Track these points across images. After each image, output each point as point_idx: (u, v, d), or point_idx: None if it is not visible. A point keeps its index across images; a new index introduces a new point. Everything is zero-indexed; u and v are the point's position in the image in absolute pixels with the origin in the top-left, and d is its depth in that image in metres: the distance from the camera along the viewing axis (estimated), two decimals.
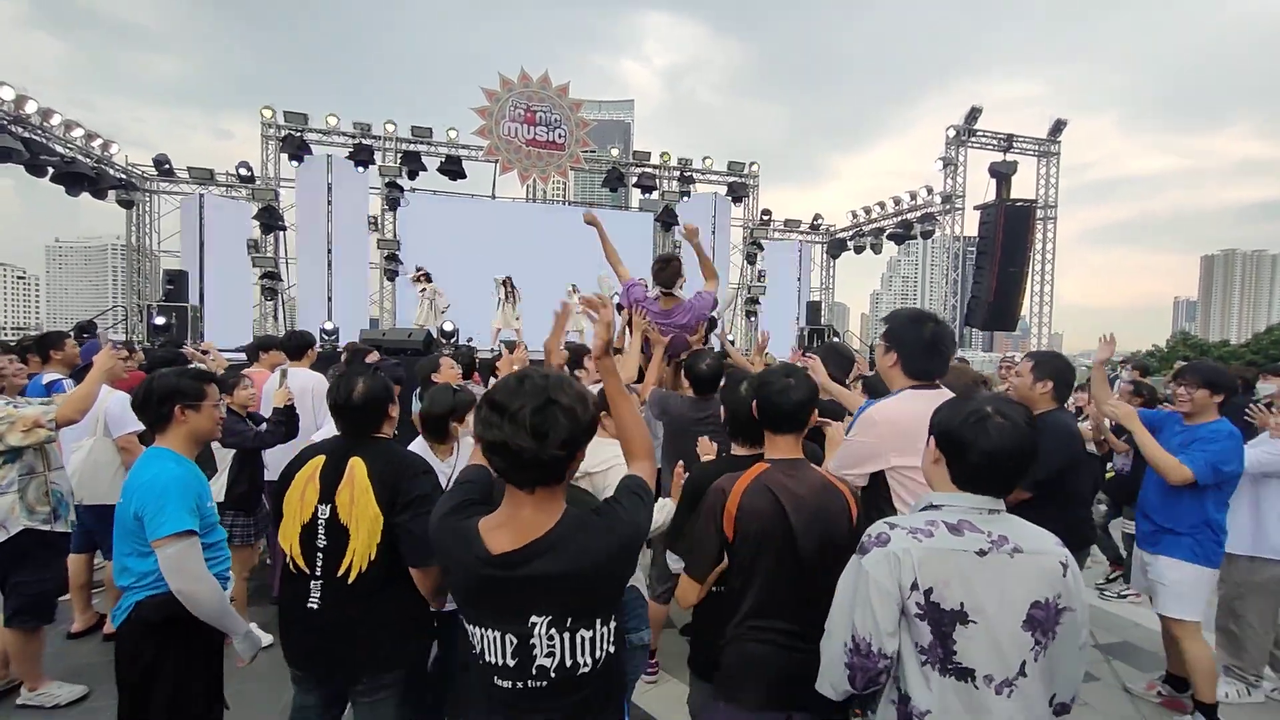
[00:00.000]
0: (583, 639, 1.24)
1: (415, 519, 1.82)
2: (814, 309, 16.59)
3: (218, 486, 3.43)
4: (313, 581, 1.87)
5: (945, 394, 1.96)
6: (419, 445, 2.53)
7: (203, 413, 2.07)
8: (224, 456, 3.63)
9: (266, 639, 2.13)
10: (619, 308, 3.56)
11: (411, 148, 13.91)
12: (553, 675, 1.23)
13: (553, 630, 1.22)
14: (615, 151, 15.99)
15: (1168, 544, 2.90)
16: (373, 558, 1.84)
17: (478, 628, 1.25)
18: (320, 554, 1.86)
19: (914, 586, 1.28)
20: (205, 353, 4.69)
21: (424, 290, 9.59)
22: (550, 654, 1.22)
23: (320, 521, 1.86)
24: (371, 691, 1.87)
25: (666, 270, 3.60)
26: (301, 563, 1.88)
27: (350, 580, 1.84)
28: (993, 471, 1.35)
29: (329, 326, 11.85)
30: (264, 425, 3.50)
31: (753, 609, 1.66)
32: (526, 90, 14.05)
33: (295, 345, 4.32)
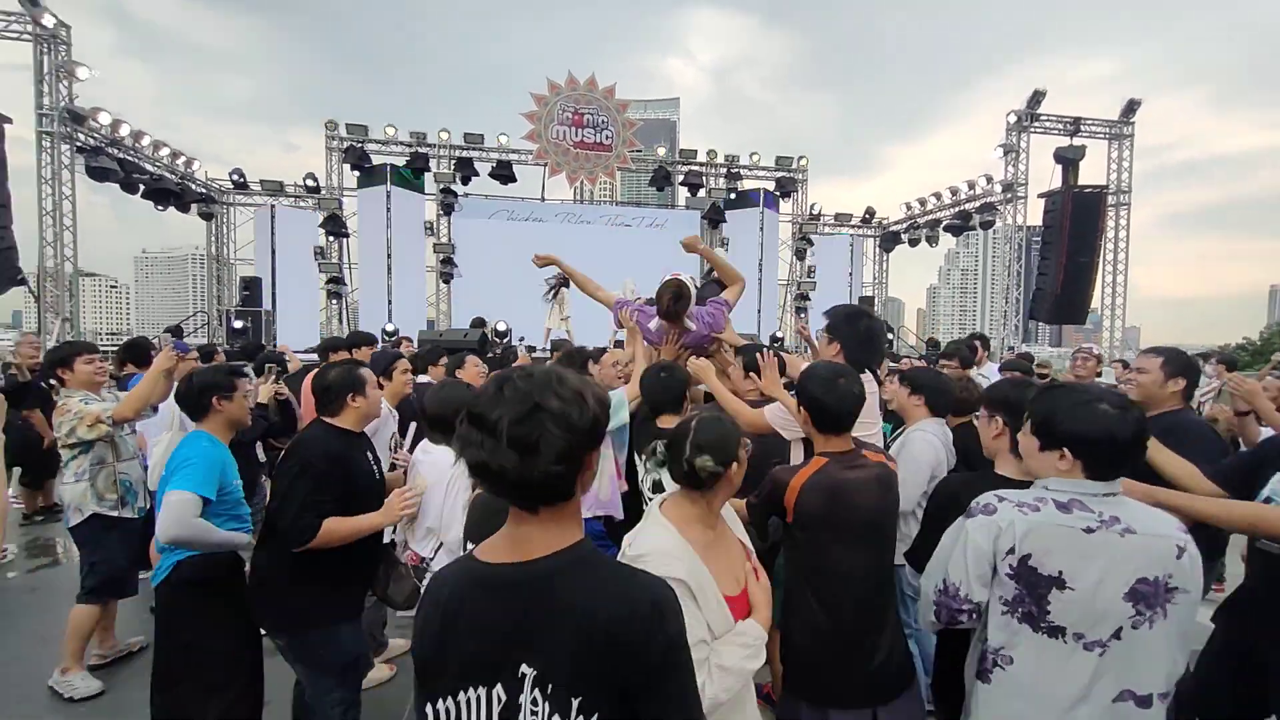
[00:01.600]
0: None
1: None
2: (866, 304, 16.20)
3: None
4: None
5: (870, 381, 2.31)
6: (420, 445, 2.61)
7: (235, 402, 2.38)
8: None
9: (244, 538, 2.36)
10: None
11: (464, 154, 14.37)
12: None
13: (536, 691, 0.93)
14: (661, 151, 16.04)
15: None
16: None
17: (448, 699, 0.97)
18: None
19: (1010, 552, 1.40)
20: (283, 355, 5.02)
21: (556, 296, 9.54)
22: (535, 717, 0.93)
23: None
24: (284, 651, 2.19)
25: (676, 306, 2.88)
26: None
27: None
28: (1110, 457, 1.42)
29: (389, 328, 12.40)
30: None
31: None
32: (574, 94, 14.28)
33: (352, 343, 4.62)
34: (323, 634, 2.16)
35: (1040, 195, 14.04)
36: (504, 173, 14.49)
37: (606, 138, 14.53)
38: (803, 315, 16.56)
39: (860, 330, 2.38)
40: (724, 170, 15.58)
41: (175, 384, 2.88)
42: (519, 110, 14.07)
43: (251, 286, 12.86)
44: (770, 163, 15.93)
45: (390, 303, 14.31)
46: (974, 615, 1.49)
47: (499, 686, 0.94)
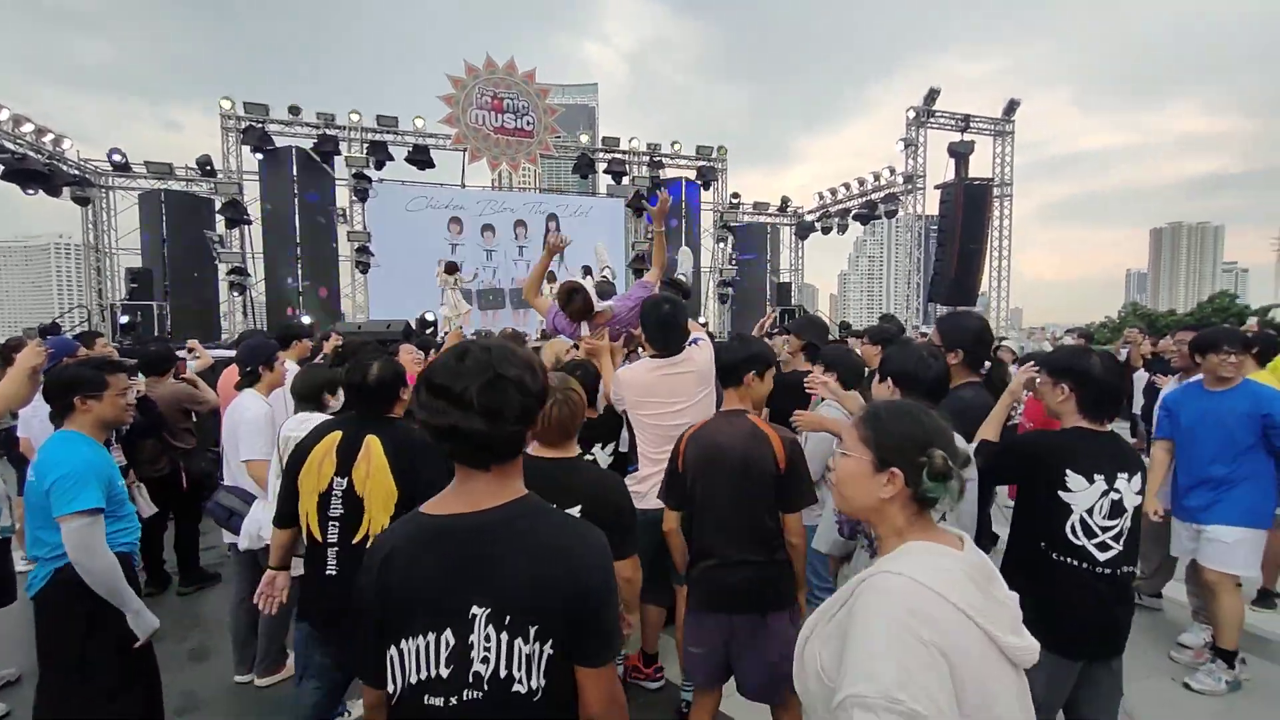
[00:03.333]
0: (519, 651, 1.03)
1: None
2: (784, 290, 16.97)
3: None
4: (329, 549, 2.01)
5: (677, 361, 2.65)
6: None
7: (105, 401, 2.20)
8: None
9: (155, 622, 2.23)
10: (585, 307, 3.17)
11: (378, 137, 13.75)
12: (487, 686, 1.03)
13: (490, 628, 1.03)
14: (585, 138, 16.01)
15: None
16: (385, 527, 1.94)
17: (405, 642, 1.05)
18: (335, 523, 2.00)
19: None
20: (191, 350, 4.73)
21: (454, 283, 9.15)
22: (485, 659, 1.03)
23: (336, 493, 2.00)
24: None
25: (571, 305, 3.12)
26: (316, 532, 2.02)
27: (367, 547, 1.95)
28: (932, 394, 1.99)
29: (306, 319, 11.76)
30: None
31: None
32: (493, 77, 13.97)
33: (281, 337, 4.48)
34: None
35: (936, 186, 15.22)
36: (421, 158, 13.99)
37: (528, 123, 14.33)
38: (725, 303, 17.15)
39: (663, 315, 2.66)
40: (646, 159, 15.77)
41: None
42: (435, 93, 13.61)
43: (140, 278, 11.75)
44: (691, 152, 16.28)
45: (300, 294, 13.54)
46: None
47: (448, 631, 1.04)
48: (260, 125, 12.88)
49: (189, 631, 3.55)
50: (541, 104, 14.46)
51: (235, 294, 13.16)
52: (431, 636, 1.04)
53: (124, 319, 11.04)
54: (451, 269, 8.61)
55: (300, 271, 13.44)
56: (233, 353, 4.93)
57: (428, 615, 1.05)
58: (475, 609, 1.03)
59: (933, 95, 14.87)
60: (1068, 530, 1.87)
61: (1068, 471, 1.87)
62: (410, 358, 3.93)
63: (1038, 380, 2.07)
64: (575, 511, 1.76)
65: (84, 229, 13.53)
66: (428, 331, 9.99)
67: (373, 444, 2.02)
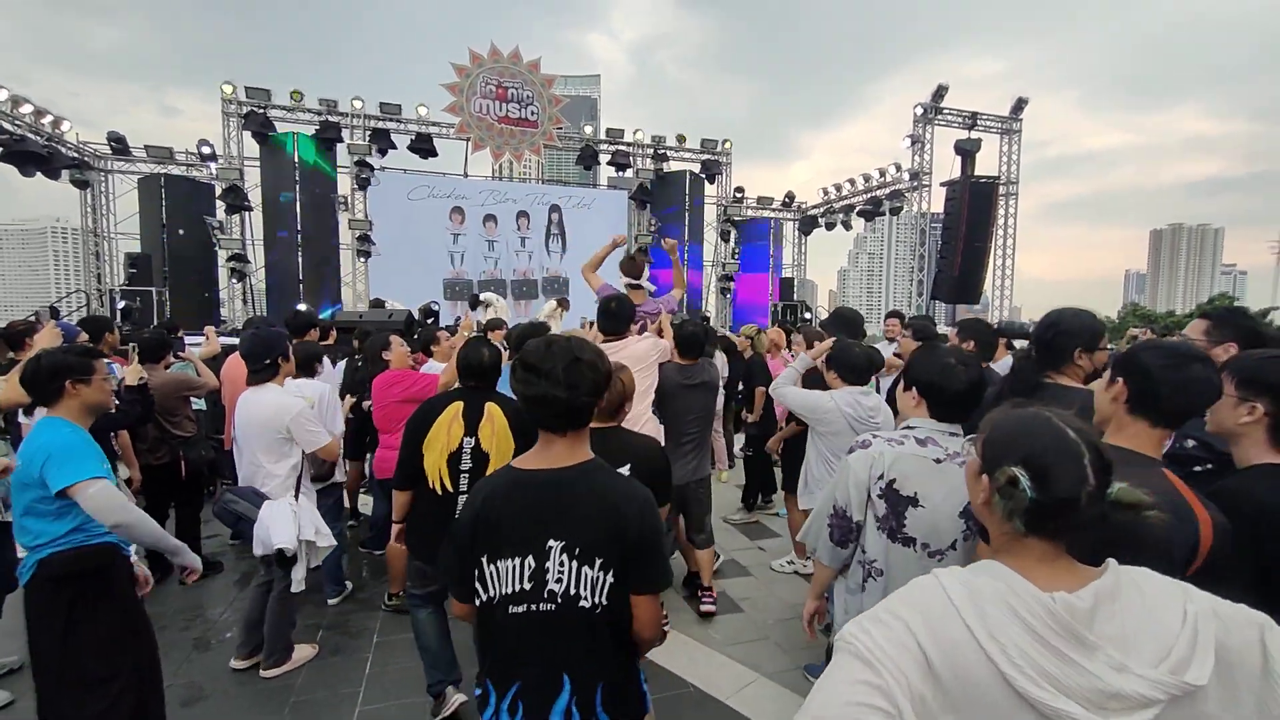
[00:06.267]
0: (587, 577, 1.33)
1: None
2: (787, 285, 16.91)
3: None
4: (460, 497, 2.41)
5: (620, 343, 3.19)
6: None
7: (93, 385, 2.18)
8: None
9: (198, 561, 2.35)
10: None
11: (380, 125, 13.63)
12: (559, 600, 1.33)
13: (563, 557, 1.33)
14: (589, 129, 15.89)
15: None
16: None
17: (498, 563, 1.35)
18: (466, 475, 2.45)
19: (880, 477, 1.76)
20: (207, 337, 4.68)
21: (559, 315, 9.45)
22: (560, 579, 1.33)
23: (466, 450, 2.45)
24: None
25: (634, 264, 4.06)
26: (449, 483, 2.45)
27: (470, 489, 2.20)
28: (958, 405, 1.80)
29: (301, 308, 11.66)
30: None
31: None
32: (497, 66, 13.85)
33: (293, 325, 4.44)
34: None
35: (942, 184, 15.14)
36: (424, 146, 13.87)
37: (532, 114, 14.21)
38: (726, 296, 17.09)
39: (611, 307, 3.29)
40: (651, 151, 15.66)
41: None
42: (439, 81, 13.49)
43: (139, 264, 11.65)
44: (696, 144, 16.17)
45: (301, 281, 13.45)
46: (857, 533, 1.85)
47: (530, 556, 1.35)
48: (262, 111, 12.75)
49: (191, 621, 3.50)
50: (546, 94, 14.33)
51: (235, 280, 13.06)
52: (516, 560, 1.35)
53: (122, 304, 10.96)
54: (564, 304, 9.07)
55: (300, 259, 13.34)
56: (235, 340, 4.87)
57: (514, 545, 1.36)
58: (551, 541, 1.34)
59: (941, 92, 14.77)
60: None
61: None
62: (401, 350, 3.90)
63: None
64: (625, 469, 2.05)
65: (82, 213, 13.42)
66: (429, 322, 9.94)
67: (494, 410, 2.50)
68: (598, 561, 1.34)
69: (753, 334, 6.05)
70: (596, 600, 1.34)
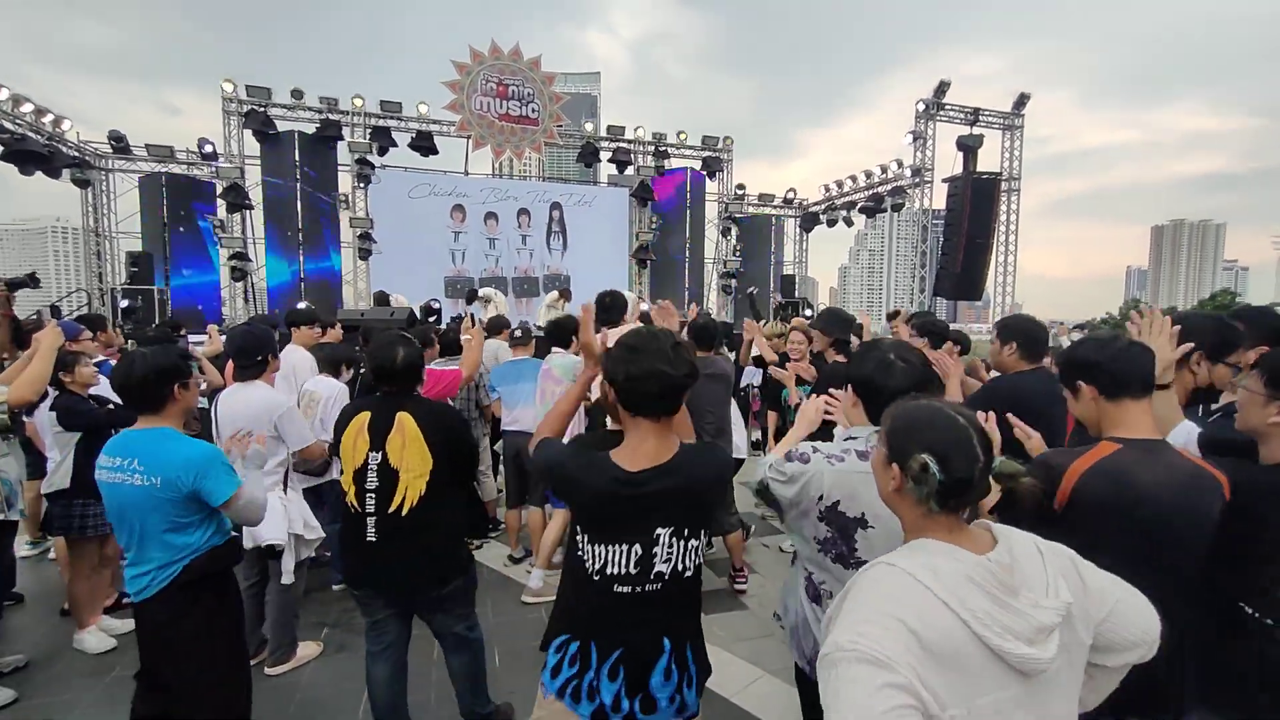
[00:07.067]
0: (691, 547, 1.49)
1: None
2: (788, 282, 16.89)
3: (60, 474, 3.18)
4: (368, 519, 2.15)
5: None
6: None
7: (191, 390, 2.11)
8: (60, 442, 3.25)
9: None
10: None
11: (381, 123, 13.60)
12: (667, 578, 1.46)
13: (673, 539, 1.46)
14: (590, 126, 15.86)
15: None
16: (423, 493, 2.14)
17: (600, 545, 1.46)
18: (372, 494, 2.15)
19: (820, 499, 1.59)
20: (210, 337, 4.68)
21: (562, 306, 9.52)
22: (668, 560, 1.46)
23: (371, 467, 2.15)
24: (437, 603, 2.26)
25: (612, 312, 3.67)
26: (356, 503, 2.17)
27: (403, 514, 2.13)
28: (881, 402, 1.63)
29: (301, 306, 11.66)
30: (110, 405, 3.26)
31: None
32: (498, 63, 13.80)
33: (292, 321, 4.42)
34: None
35: (944, 180, 15.09)
36: (425, 144, 13.84)
37: (533, 111, 14.17)
38: (728, 294, 17.06)
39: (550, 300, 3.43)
40: (652, 148, 15.62)
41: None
42: (440, 79, 13.44)
43: (140, 263, 11.65)
44: (697, 142, 16.13)
45: (302, 280, 13.44)
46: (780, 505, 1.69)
47: (637, 545, 1.45)
48: (262, 109, 12.72)
49: None
50: (547, 91, 14.29)
51: (236, 279, 13.06)
52: (624, 547, 1.45)
53: (124, 303, 10.95)
54: (566, 295, 9.17)
55: (302, 257, 13.33)
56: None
57: (623, 535, 1.46)
58: (659, 530, 1.46)
59: (943, 88, 14.72)
60: None
61: None
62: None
63: (1238, 382, 1.63)
64: None
65: (83, 212, 13.40)
66: (430, 320, 9.93)
67: (405, 419, 2.17)
68: (701, 532, 1.52)
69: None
70: (697, 562, 1.51)
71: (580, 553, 1.49)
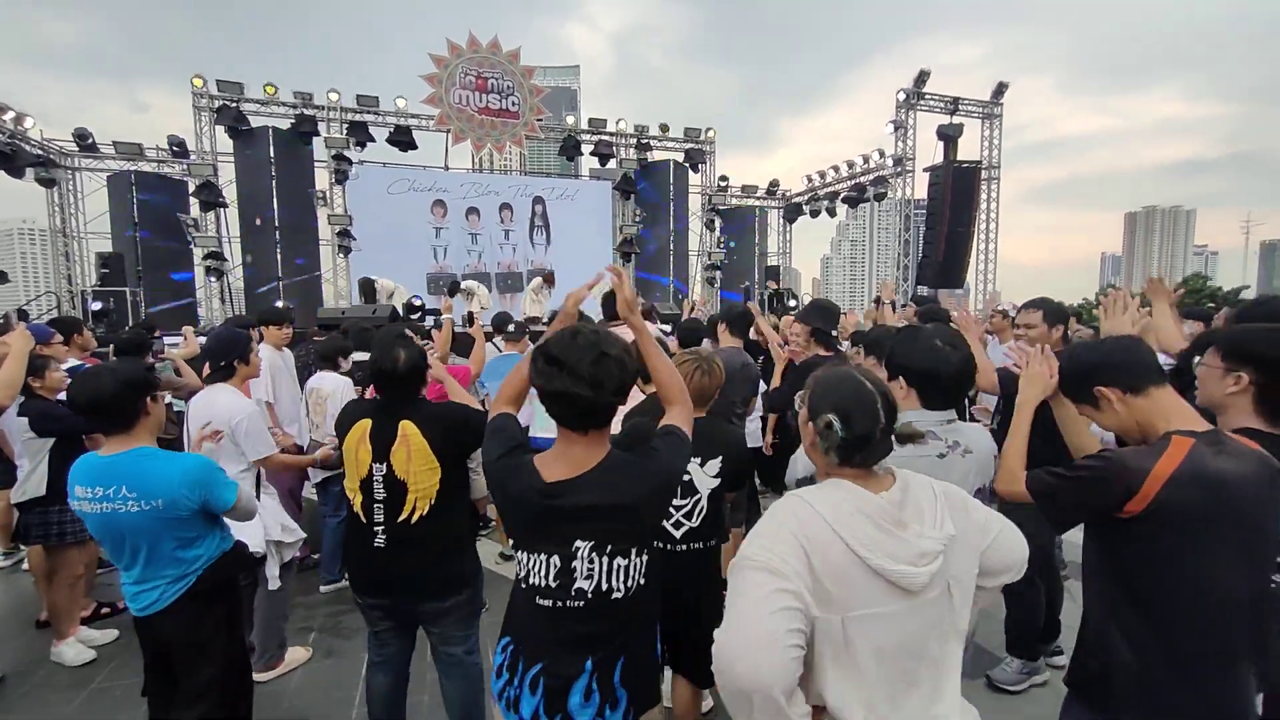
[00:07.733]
0: (618, 566, 1.35)
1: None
2: (772, 273, 16.91)
3: (34, 482, 3.13)
4: (376, 527, 2.09)
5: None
6: None
7: (159, 402, 2.02)
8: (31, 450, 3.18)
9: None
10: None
11: (358, 118, 13.34)
12: (589, 596, 1.35)
13: (593, 555, 1.34)
14: (571, 120, 15.71)
15: None
16: (433, 502, 2.08)
17: (527, 553, 1.39)
18: (381, 505, 2.08)
19: None
20: (185, 338, 4.53)
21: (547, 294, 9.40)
22: (589, 577, 1.34)
23: (377, 478, 2.07)
24: (440, 614, 2.15)
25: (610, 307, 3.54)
26: (363, 514, 2.10)
27: (412, 522, 2.08)
28: (953, 390, 1.73)
29: (280, 305, 11.45)
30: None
31: None
32: (476, 56, 13.60)
33: (263, 321, 4.35)
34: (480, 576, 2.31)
35: (925, 169, 15.19)
36: (403, 138, 13.61)
37: (513, 104, 13.99)
38: (713, 286, 17.05)
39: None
40: (634, 141, 15.52)
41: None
42: (418, 73, 13.22)
43: (111, 264, 11.32)
44: (679, 134, 16.06)
45: (280, 279, 13.18)
46: None
47: (556, 556, 1.36)
48: (235, 104, 12.42)
49: None
50: (526, 84, 14.12)
51: (212, 279, 12.77)
52: (543, 557, 1.37)
53: (95, 306, 10.65)
54: (550, 279, 9.22)
55: (279, 256, 13.06)
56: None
57: (542, 543, 1.38)
58: (579, 542, 1.35)
59: (923, 77, 14.78)
60: None
61: None
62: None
63: (1197, 363, 1.68)
64: (716, 462, 2.08)
65: (49, 213, 13.00)
66: (414, 317, 9.79)
67: (409, 429, 2.06)
68: (632, 551, 1.37)
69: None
70: (630, 584, 1.37)
71: (518, 557, 1.42)
